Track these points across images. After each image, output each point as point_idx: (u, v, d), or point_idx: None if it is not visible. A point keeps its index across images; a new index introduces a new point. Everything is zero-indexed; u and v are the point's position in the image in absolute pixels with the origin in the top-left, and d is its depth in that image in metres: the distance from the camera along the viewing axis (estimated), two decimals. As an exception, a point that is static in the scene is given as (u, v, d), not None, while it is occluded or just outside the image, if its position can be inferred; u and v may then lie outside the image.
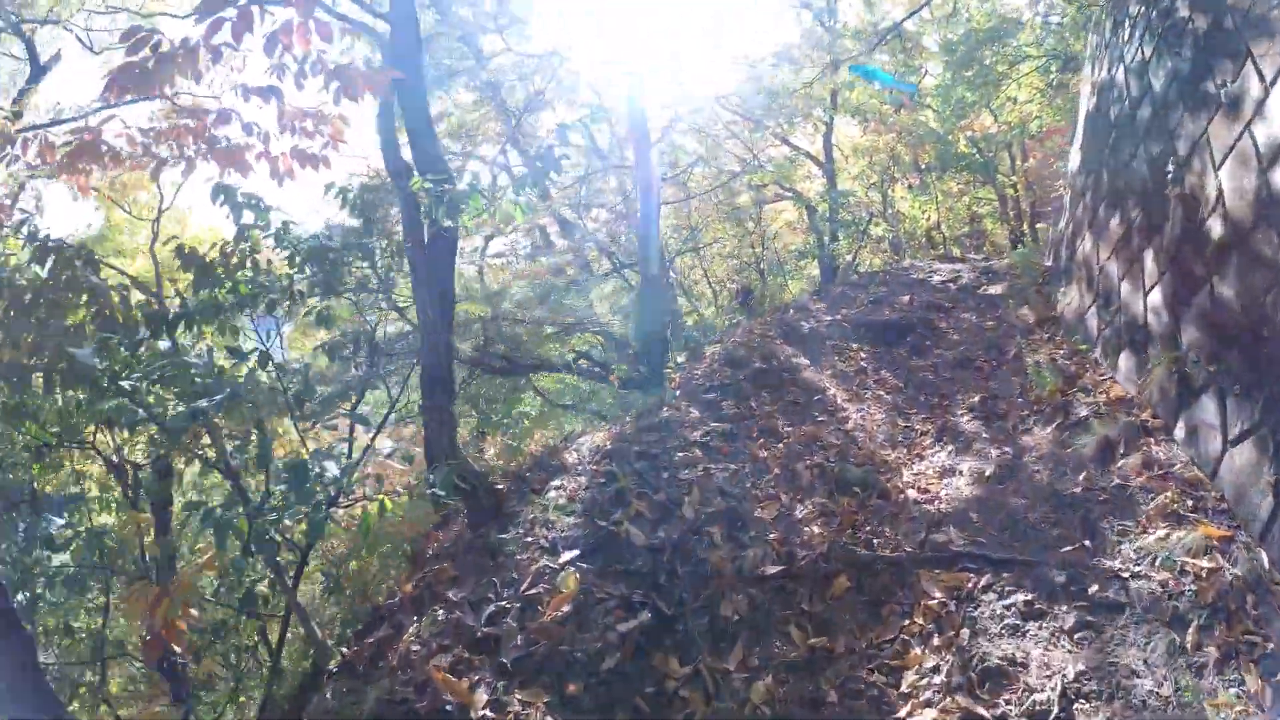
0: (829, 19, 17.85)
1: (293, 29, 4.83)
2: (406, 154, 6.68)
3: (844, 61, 16.09)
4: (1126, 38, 8.30)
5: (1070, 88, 20.62)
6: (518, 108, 13.31)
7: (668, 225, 16.47)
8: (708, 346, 8.84)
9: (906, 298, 11.51)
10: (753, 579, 4.65)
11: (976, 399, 7.72)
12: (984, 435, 6.85)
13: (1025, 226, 28.20)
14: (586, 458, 5.67)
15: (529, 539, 4.73)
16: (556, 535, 4.74)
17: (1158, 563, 4.65)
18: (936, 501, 5.87)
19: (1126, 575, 4.62)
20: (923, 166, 21.62)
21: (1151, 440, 5.64)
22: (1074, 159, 10.62)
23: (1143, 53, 7.63)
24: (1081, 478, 5.64)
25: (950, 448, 6.78)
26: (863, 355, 9.11)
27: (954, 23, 20.30)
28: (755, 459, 5.84)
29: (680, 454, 5.69)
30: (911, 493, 5.96)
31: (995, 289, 11.71)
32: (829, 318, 10.35)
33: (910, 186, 23.45)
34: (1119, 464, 5.59)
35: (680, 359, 8.52)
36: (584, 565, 4.49)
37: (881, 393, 8.10)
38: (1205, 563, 4.54)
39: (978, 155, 25.46)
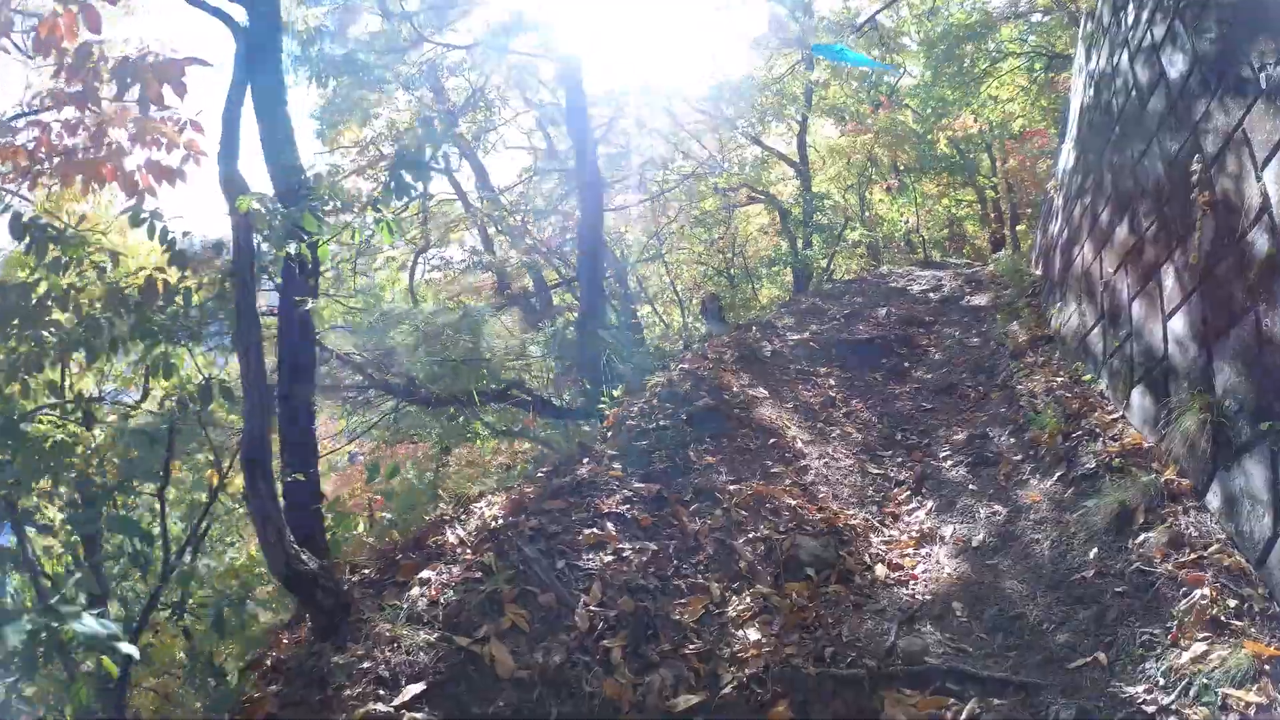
0: (802, 14, 16.60)
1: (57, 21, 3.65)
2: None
3: (817, 56, 14.84)
4: (1131, 20, 7.11)
5: (1054, 86, 19.51)
6: (455, 107, 12.04)
7: (631, 230, 15.25)
8: (651, 377, 7.57)
9: (884, 310, 10.30)
10: (659, 718, 3.40)
11: (962, 436, 6.51)
12: (971, 487, 5.63)
13: (1006, 230, 27.18)
14: (472, 536, 4.40)
15: (367, 664, 3.46)
16: (402, 659, 3.47)
17: (1193, 693, 3.44)
18: (911, 582, 4.64)
19: (1153, 710, 3.40)
20: (901, 168, 20.42)
21: (1178, 509, 4.43)
22: (1065, 157, 9.44)
23: (1152, 35, 6.44)
24: (1093, 555, 4.43)
25: (931, 504, 5.56)
26: (832, 382, 7.88)
27: (934, 18, 19.11)
28: (684, 532, 4.58)
29: (588, 529, 4.42)
30: (880, 569, 4.73)
31: (980, 299, 10.52)
32: (795, 336, 9.12)
33: (889, 189, 22.28)
34: (1139, 539, 4.38)
35: (618, 393, 7.24)
36: (425, 710, 3.23)
37: (851, 430, 6.87)
38: (1253, 696, 3.33)
39: (957, 156, 24.35)
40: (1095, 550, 4.49)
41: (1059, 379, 6.71)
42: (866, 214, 19.16)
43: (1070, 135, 9.40)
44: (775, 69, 16.28)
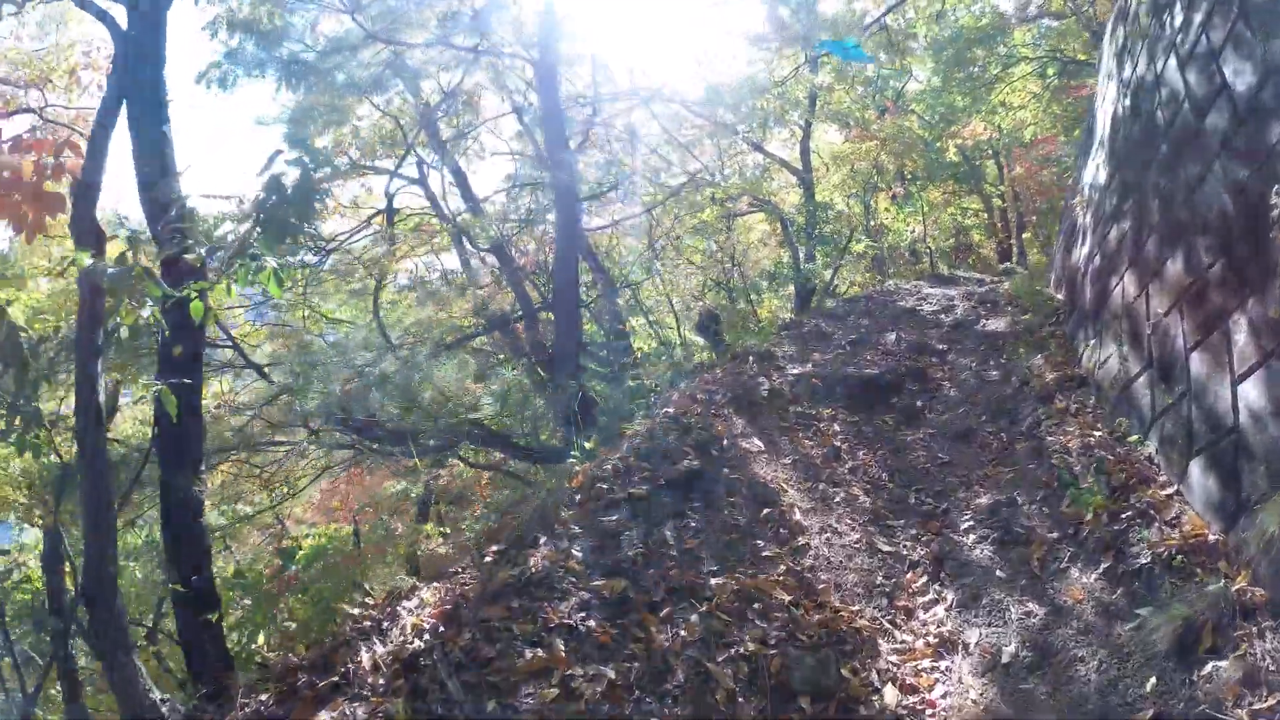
0: (805, 14, 15.63)
1: None
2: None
3: (820, 56, 13.89)
4: (1180, 22, 6.17)
5: (1068, 92, 18.55)
6: (427, 106, 11.09)
7: (624, 243, 14.33)
8: (632, 423, 6.65)
9: (892, 335, 9.37)
10: None
11: (986, 501, 5.60)
12: (999, 574, 4.72)
13: (1013, 239, 26.21)
14: (389, 657, 3.50)
15: None
16: None
17: None
18: (928, 713, 3.72)
19: None
20: (907, 175, 19.47)
21: (1253, 630, 3.55)
22: (1094, 171, 8.50)
23: (1208, 40, 5.51)
24: (1150, 687, 3.55)
25: (951, 595, 4.65)
26: (836, 427, 6.96)
27: (942, 21, 18.15)
28: (651, 649, 3.66)
29: (531, 650, 3.52)
30: (890, 694, 3.82)
31: (997, 324, 9.59)
32: (796, 370, 8.19)
33: (894, 197, 21.32)
34: (1205, 669, 3.47)
35: (590, 444, 6.30)
36: None
37: (858, 491, 5.94)
38: None
39: (964, 164, 23.38)
40: (1153, 680, 3.57)
41: (1096, 434, 5.78)
42: (871, 223, 18.21)
43: (1099, 147, 8.45)
44: (777, 71, 15.35)
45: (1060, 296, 9.25)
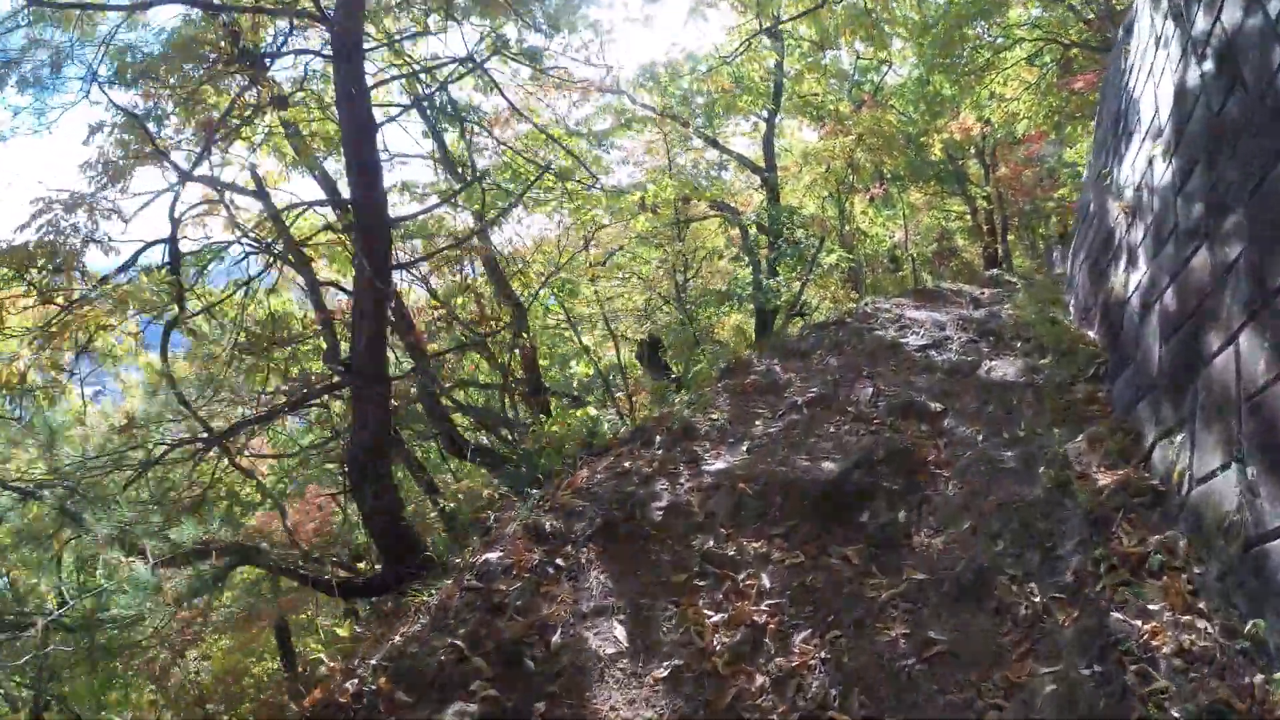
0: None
1: None
2: None
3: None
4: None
5: (1069, 84, 15.99)
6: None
7: (536, 261, 11.61)
8: (432, 586, 4.02)
9: (868, 389, 6.77)
10: None
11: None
12: None
13: (999, 244, 23.68)
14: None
15: None
16: None
17: None
18: None
19: None
20: (887, 175, 16.89)
21: None
22: (1144, 166, 5.93)
23: None
24: None
25: None
26: (766, 582, 4.29)
27: (927, 2, 15.56)
28: None
29: None
30: None
31: (1006, 368, 7.00)
32: (720, 462, 5.54)
33: (872, 199, 18.76)
34: None
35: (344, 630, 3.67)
36: None
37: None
38: None
39: (947, 163, 20.83)
40: None
41: (1203, 626, 3.19)
42: (846, 228, 15.60)
43: (1151, 133, 5.86)
44: (725, 47, 12.73)
45: (1093, 336, 6.65)
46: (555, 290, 11.65)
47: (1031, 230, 29.75)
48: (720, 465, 5.36)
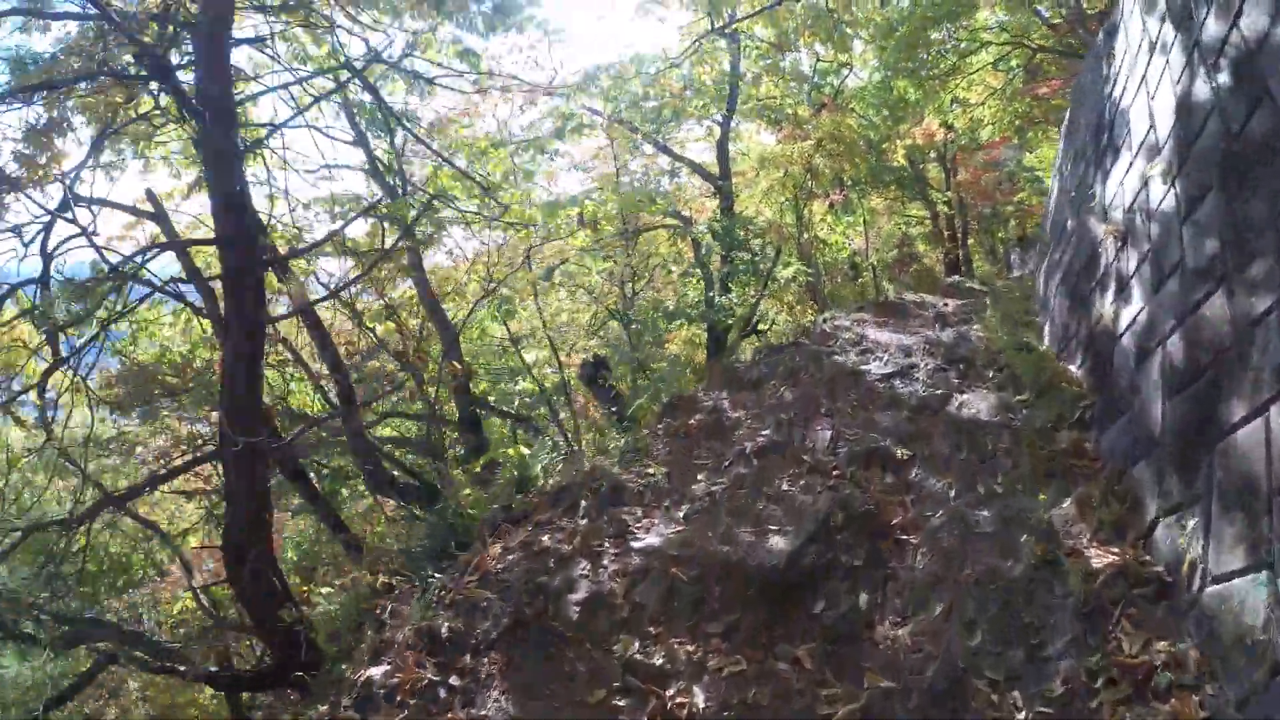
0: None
1: None
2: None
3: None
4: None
5: (1030, 90, 15.46)
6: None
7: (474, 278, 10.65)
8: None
9: (826, 432, 5.99)
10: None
11: None
12: None
13: (959, 250, 23.26)
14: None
15: None
16: None
17: None
18: None
19: None
20: (847, 181, 16.22)
21: None
22: (1137, 187, 5.27)
23: None
24: None
25: None
26: (700, 699, 3.48)
27: (890, 4, 14.89)
28: None
29: None
30: None
31: (979, 404, 6.32)
32: (650, 537, 4.71)
33: (832, 205, 18.10)
34: None
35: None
36: None
37: None
38: None
39: (908, 169, 20.27)
40: None
41: None
42: (804, 236, 14.88)
43: (1144, 150, 5.18)
44: (679, 48, 11.90)
45: (1075, 371, 5.95)
46: (493, 309, 10.76)
47: (991, 234, 29.44)
48: (652, 540, 4.53)
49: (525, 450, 8.12)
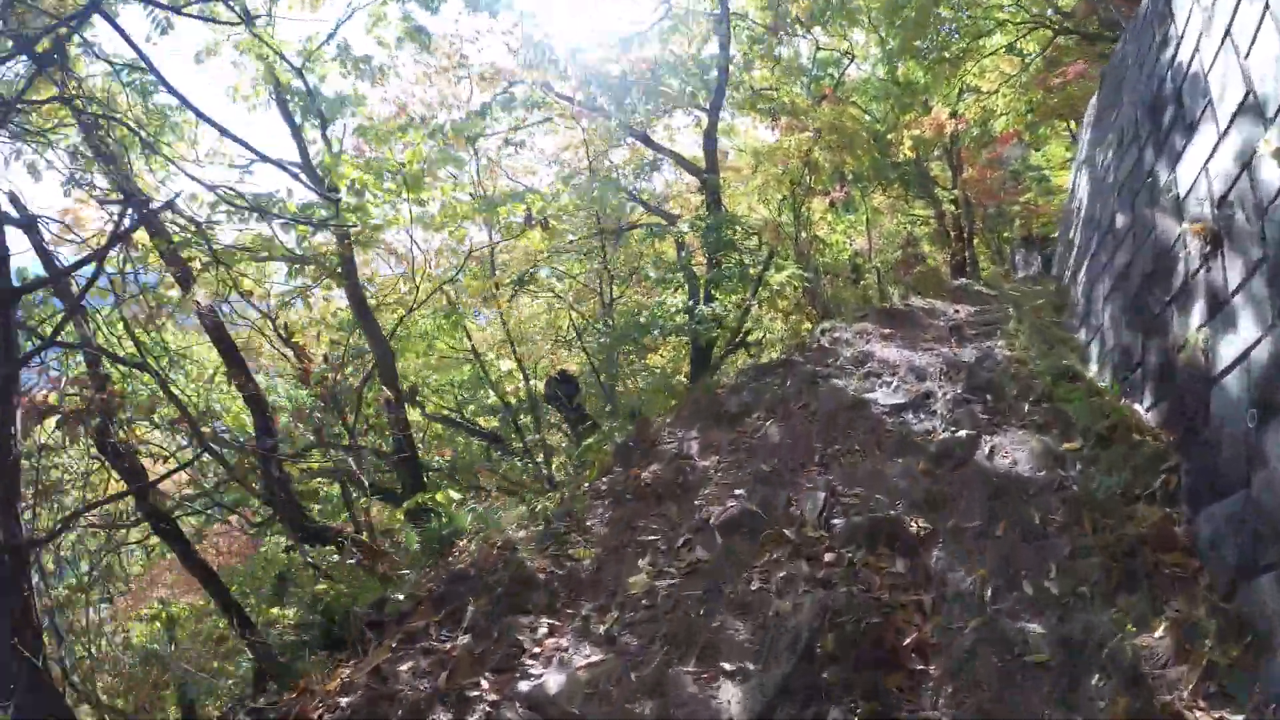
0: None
1: None
2: None
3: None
4: None
5: (1047, 79, 13.95)
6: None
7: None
8: None
9: (820, 493, 4.55)
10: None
11: None
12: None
13: (966, 251, 21.71)
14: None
15: None
16: None
17: None
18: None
19: None
20: (848, 176, 14.75)
21: None
22: (1207, 174, 3.82)
23: None
24: None
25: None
26: None
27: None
28: None
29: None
30: None
31: (1020, 458, 4.90)
32: (551, 678, 3.29)
33: (833, 203, 16.61)
34: None
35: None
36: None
37: None
38: None
39: (911, 164, 18.76)
40: None
41: None
42: (802, 235, 13.40)
43: (1250, 116, 3.72)
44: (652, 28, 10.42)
45: (1145, 414, 4.49)
46: (439, 321, 9.36)
47: (997, 234, 27.92)
48: (548, 682, 3.10)
49: (454, 496, 6.71)
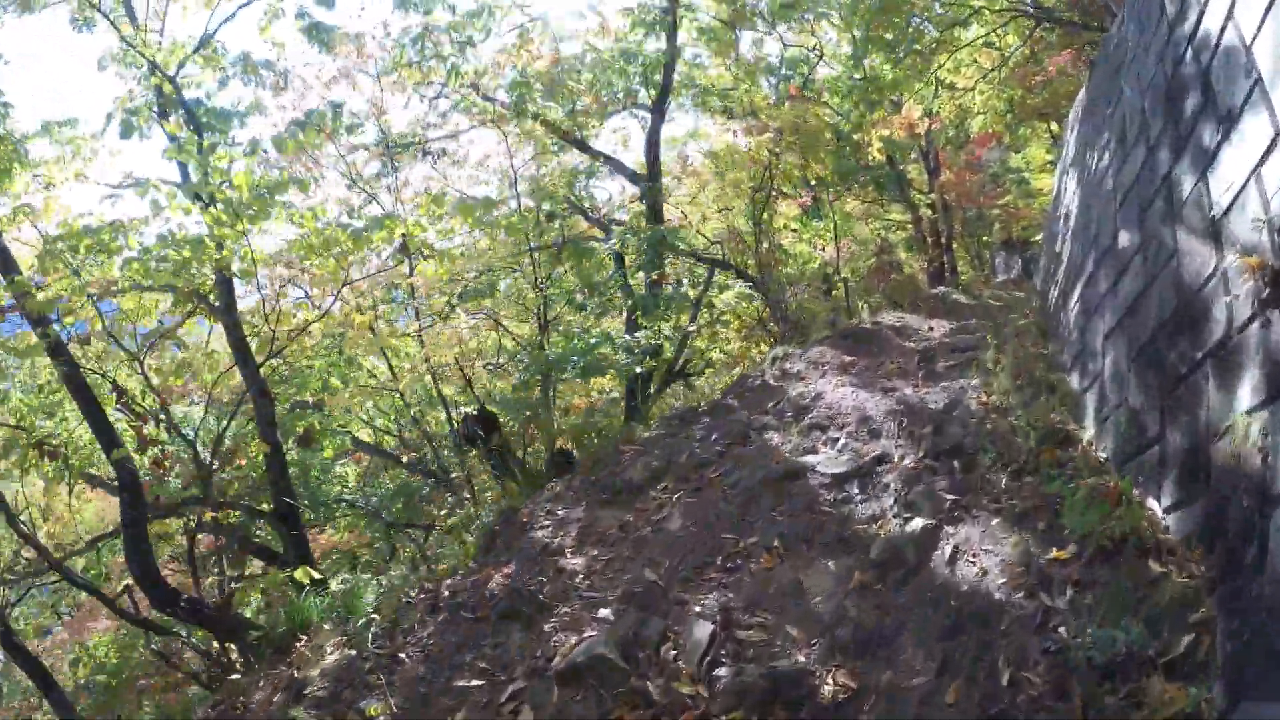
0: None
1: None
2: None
3: None
4: None
5: (1026, 76, 12.72)
6: None
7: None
8: None
9: (706, 630, 3.21)
10: None
11: None
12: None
13: (944, 257, 20.48)
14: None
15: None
16: None
17: None
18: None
19: None
20: (813, 181, 13.47)
21: None
22: (1258, 183, 2.49)
23: None
24: None
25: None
26: None
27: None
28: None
29: None
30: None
31: (991, 567, 3.56)
32: None
33: (804, 211, 15.29)
34: None
35: None
36: None
37: None
38: None
39: (886, 166, 17.49)
40: None
41: None
42: (764, 246, 12.06)
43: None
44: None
45: (1160, 514, 3.18)
46: (330, 359, 8.00)
47: (976, 238, 26.73)
48: None
49: (313, 574, 5.35)
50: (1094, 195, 6.06)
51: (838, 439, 5.14)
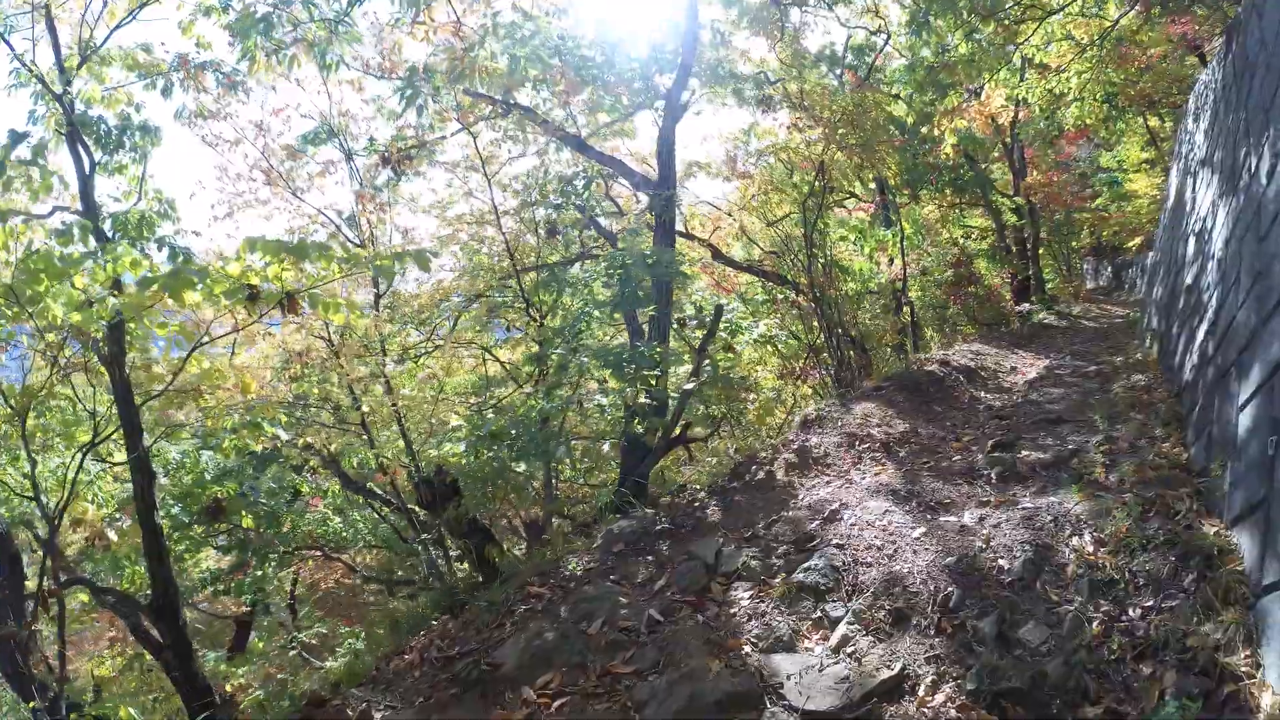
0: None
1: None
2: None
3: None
4: None
5: (1128, 56, 10.09)
6: None
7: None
8: None
9: None
10: None
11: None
12: None
13: (1029, 268, 17.48)
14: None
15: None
16: None
17: None
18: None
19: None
20: (870, 184, 11.19)
21: None
22: None
23: None
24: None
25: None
26: None
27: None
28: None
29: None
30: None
31: None
32: None
33: (872, 216, 12.97)
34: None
35: None
36: None
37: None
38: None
39: (966, 165, 14.85)
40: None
41: None
42: (817, 262, 9.89)
43: None
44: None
45: None
46: (244, 417, 6.39)
47: (1064, 244, 23.70)
48: None
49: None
50: (1245, 208, 3.79)
51: (839, 618, 3.08)
